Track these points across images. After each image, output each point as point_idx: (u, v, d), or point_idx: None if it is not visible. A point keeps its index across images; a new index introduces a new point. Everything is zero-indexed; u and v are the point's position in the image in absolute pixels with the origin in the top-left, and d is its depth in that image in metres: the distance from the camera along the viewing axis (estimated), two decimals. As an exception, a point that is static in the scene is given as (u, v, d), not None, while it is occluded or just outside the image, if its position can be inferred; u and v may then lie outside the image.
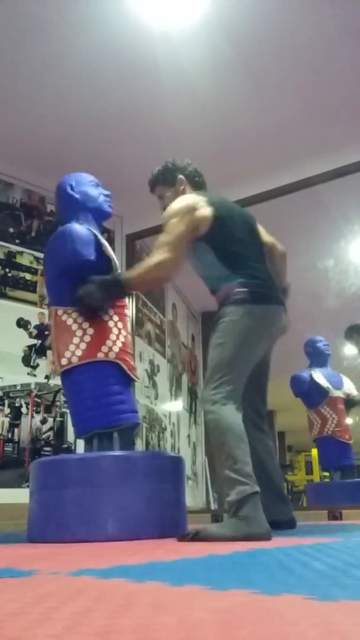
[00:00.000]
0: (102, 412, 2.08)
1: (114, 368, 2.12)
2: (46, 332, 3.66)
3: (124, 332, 2.20)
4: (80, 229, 2.17)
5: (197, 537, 1.66)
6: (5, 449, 3.30)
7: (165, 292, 5.28)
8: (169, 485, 2.04)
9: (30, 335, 3.58)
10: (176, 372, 5.39)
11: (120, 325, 2.19)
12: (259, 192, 3.79)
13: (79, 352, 2.09)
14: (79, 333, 2.11)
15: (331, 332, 4.83)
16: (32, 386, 3.50)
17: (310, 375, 4.56)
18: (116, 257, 2.32)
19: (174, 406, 5.19)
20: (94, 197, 2.34)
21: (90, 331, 2.11)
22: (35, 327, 3.63)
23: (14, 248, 3.70)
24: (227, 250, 1.99)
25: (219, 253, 1.99)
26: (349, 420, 4.70)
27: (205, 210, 1.99)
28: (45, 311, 3.71)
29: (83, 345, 2.10)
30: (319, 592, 0.69)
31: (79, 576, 0.92)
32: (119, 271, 2.27)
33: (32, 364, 3.54)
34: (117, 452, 2.02)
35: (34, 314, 3.65)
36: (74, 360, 2.09)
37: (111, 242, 4.26)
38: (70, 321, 2.13)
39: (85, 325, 2.11)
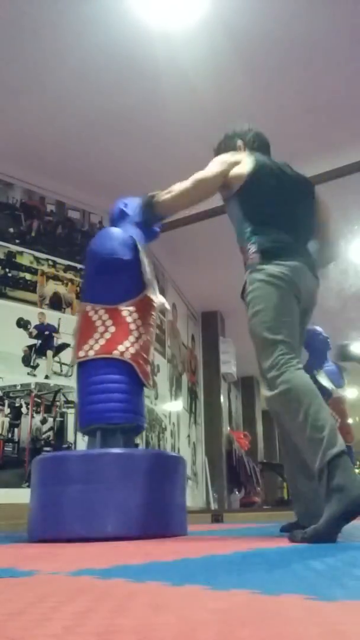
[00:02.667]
0: (107, 407, 2.12)
1: (127, 368, 2.16)
2: (46, 332, 3.66)
3: (144, 338, 2.24)
4: (118, 230, 2.30)
5: (306, 539, 1.53)
6: (5, 449, 3.30)
7: (165, 292, 5.28)
8: (170, 484, 2.04)
9: (30, 335, 3.58)
10: (176, 372, 5.39)
11: (142, 329, 2.23)
12: (259, 192, 3.79)
13: (96, 347, 2.16)
14: (101, 329, 2.19)
15: (331, 332, 4.82)
16: (32, 386, 3.50)
17: (314, 376, 4.55)
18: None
19: (174, 406, 5.19)
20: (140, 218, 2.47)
21: (112, 329, 2.18)
22: (35, 327, 3.63)
23: (14, 248, 3.70)
24: (253, 211, 2.01)
25: (245, 212, 2.01)
26: (349, 420, 4.70)
27: (244, 168, 2.02)
28: (45, 311, 3.71)
29: (102, 341, 2.16)
30: (319, 592, 0.69)
31: (79, 576, 0.92)
32: (147, 277, 2.31)
33: (32, 364, 3.54)
34: (119, 450, 2.03)
35: (34, 314, 3.65)
36: (91, 353, 2.16)
37: (111, 242, 4.26)
38: (95, 317, 2.22)
39: (109, 323, 2.19)
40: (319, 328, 4.78)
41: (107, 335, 2.17)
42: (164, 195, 2.11)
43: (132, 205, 2.48)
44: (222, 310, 6.50)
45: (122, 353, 2.15)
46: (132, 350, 2.17)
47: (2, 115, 3.33)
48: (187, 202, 2.10)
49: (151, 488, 1.95)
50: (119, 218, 2.46)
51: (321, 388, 4.51)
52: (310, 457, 1.61)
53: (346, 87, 3.19)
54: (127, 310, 2.22)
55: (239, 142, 2.23)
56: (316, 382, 4.54)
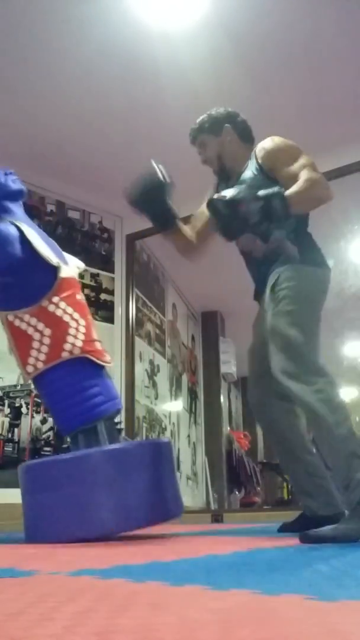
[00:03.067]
0: (81, 409, 2.03)
1: (82, 362, 2.04)
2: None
3: (82, 321, 2.07)
4: (2, 227, 2.02)
5: (320, 539, 1.51)
6: (5, 449, 3.30)
7: (165, 292, 5.28)
8: (158, 471, 2.00)
9: (30, 335, 3.58)
10: (176, 372, 5.39)
11: (76, 315, 2.07)
12: (259, 192, 3.79)
13: (42, 357, 2.01)
14: (37, 336, 2.02)
15: (331, 332, 4.82)
16: (32, 386, 3.50)
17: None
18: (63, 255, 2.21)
19: (174, 406, 5.19)
20: None
21: (48, 332, 2.01)
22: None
23: (14, 248, 3.69)
24: None
25: None
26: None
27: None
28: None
29: (44, 349, 2.01)
30: (319, 592, 0.69)
31: (79, 576, 0.92)
32: (51, 259, 2.06)
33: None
34: (101, 449, 1.98)
35: (34, 314, 3.65)
36: (40, 365, 2.02)
37: (111, 242, 4.26)
38: (24, 325, 2.03)
39: (41, 326, 2.01)
40: None
41: (47, 341, 2.01)
42: (296, 190, 1.74)
43: None
44: (222, 310, 6.50)
45: (70, 352, 2.01)
46: (78, 342, 2.02)
47: (2, 115, 3.33)
48: (327, 190, 1.81)
49: (141, 480, 1.92)
50: None
51: None
52: (341, 465, 1.59)
53: (346, 87, 3.19)
54: (52, 305, 2.03)
55: (227, 125, 2.09)
56: None
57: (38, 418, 3.48)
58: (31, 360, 2.03)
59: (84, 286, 3.99)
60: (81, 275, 2.48)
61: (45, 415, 3.51)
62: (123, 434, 2.41)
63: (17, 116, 3.35)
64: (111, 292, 4.13)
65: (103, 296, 4.04)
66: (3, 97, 3.19)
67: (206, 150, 2.15)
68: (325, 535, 1.50)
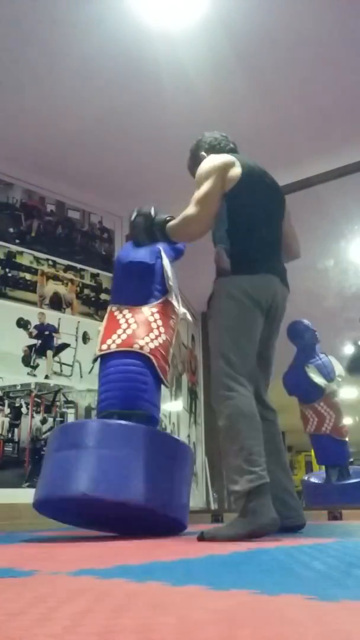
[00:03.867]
0: (124, 395, 2.20)
1: (145, 361, 2.26)
2: (46, 332, 3.66)
3: (164, 337, 2.35)
4: (149, 245, 2.40)
5: (202, 537, 1.66)
6: (5, 449, 3.30)
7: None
8: (179, 469, 2.11)
9: (30, 335, 3.58)
10: (176, 372, 5.39)
11: (162, 329, 2.36)
12: (259, 192, 3.78)
13: (118, 341, 2.28)
14: (124, 326, 2.31)
15: (331, 332, 4.83)
16: (32, 386, 3.50)
17: (305, 372, 4.52)
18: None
19: (174, 406, 5.20)
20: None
21: (134, 326, 2.29)
22: (35, 327, 3.63)
23: (14, 248, 3.70)
24: (237, 211, 1.99)
25: (230, 211, 1.99)
26: (347, 421, 4.69)
27: (237, 170, 2.00)
28: (45, 311, 3.72)
29: (124, 336, 2.28)
30: (319, 592, 0.69)
31: (79, 576, 0.92)
32: (169, 283, 2.44)
33: (32, 364, 3.54)
34: (138, 425, 2.06)
35: (34, 314, 3.65)
36: (113, 347, 2.28)
37: (111, 242, 4.26)
38: (119, 316, 2.36)
39: (131, 320, 2.31)
40: (305, 321, 4.71)
41: (129, 331, 2.29)
42: (173, 224, 2.02)
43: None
44: (222, 310, 6.49)
45: (141, 347, 2.25)
46: (151, 345, 2.27)
47: (2, 115, 3.33)
48: (197, 226, 1.98)
49: (167, 465, 2.02)
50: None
51: (313, 386, 4.49)
52: (234, 474, 1.70)
53: (346, 86, 3.19)
54: (149, 311, 2.35)
55: (202, 154, 2.23)
56: (307, 378, 4.51)
57: (38, 418, 3.48)
58: (108, 341, 2.30)
59: (84, 286, 4.00)
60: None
61: (45, 415, 3.51)
62: None
63: (17, 116, 3.35)
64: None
65: (103, 296, 4.04)
66: (3, 97, 3.20)
67: None
68: (211, 533, 1.67)
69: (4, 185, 3.78)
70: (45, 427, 3.49)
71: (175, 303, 2.49)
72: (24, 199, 3.85)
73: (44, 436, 3.48)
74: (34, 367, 3.54)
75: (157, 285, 2.42)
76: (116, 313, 2.38)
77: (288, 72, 3.08)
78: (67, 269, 3.93)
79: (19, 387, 3.46)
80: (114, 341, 2.29)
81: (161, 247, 2.46)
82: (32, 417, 3.46)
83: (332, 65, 3.05)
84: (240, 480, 1.67)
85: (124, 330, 2.30)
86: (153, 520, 1.96)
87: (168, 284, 2.43)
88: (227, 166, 2.00)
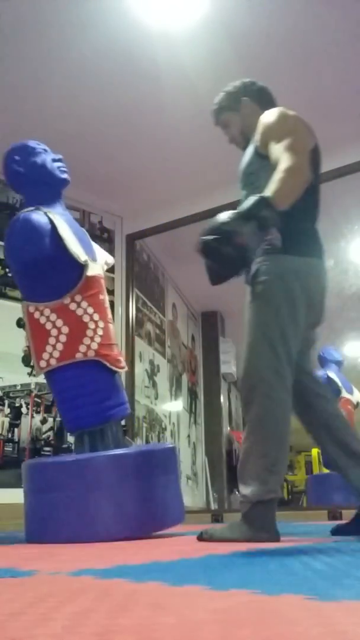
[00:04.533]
0: (89, 411, 2.04)
1: (96, 365, 2.04)
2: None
3: (101, 324, 2.07)
4: (35, 218, 2.00)
5: (202, 537, 1.66)
6: (5, 449, 3.30)
7: (165, 292, 5.28)
8: (162, 477, 2.01)
9: (30, 335, 3.58)
10: (176, 372, 5.39)
11: (96, 316, 2.06)
12: (259, 192, 3.78)
13: (56, 354, 2.01)
14: (54, 332, 2.01)
15: (331, 332, 4.83)
16: (32, 386, 3.50)
17: (326, 373, 4.57)
18: (99, 250, 2.22)
19: (174, 406, 5.19)
20: (42, 167, 2.18)
21: (65, 330, 2.01)
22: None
23: (14, 248, 3.69)
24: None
25: None
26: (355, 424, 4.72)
27: (309, 137, 1.78)
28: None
29: (60, 346, 2.01)
30: (319, 592, 0.69)
31: (79, 576, 0.92)
32: (80, 257, 2.01)
33: (32, 364, 3.53)
34: (108, 452, 1.99)
35: (34, 314, 3.64)
36: (53, 362, 2.02)
37: (111, 242, 4.26)
38: (43, 319, 2.03)
39: (59, 323, 2.01)
40: (332, 346, 4.82)
41: (63, 338, 2.01)
42: (275, 187, 1.54)
43: (25, 159, 2.20)
44: (222, 310, 6.50)
45: (85, 353, 2.01)
46: (94, 345, 2.02)
47: (2, 115, 3.32)
48: (303, 175, 1.60)
49: (144, 485, 1.93)
50: (16, 182, 2.23)
51: (331, 385, 4.52)
52: (249, 476, 1.61)
53: (346, 86, 3.19)
54: (74, 303, 2.03)
55: (244, 98, 1.99)
56: (328, 378, 4.54)
57: (38, 418, 3.48)
58: (45, 356, 2.02)
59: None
60: (110, 270, 2.44)
61: (45, 415, 3.51)
62: (128, 436, 2.42)
63: (18, 116, 3.35)
64: (111, 292, 4.13)
65: (102, 297, 4.04)
66: (3, 97, 3.19)
67: (229, 128, 2.05)
68: (209, 533, 1.65)
69: (4, 185, 3.78)
70: (45, 427, 3.49)
71: (94, 271, 2.12)
72: (24, 199, 3.85)
73: (44, 436, 3.48)
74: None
75: (68, 267, 2.03)
76: (36, 315, 2.03)
77: (288, 72, 3.08)
78: (67, 269, 3.92)
79: (19, 387, 3.45)
80: (50, 355, 2.00)
81: (47, 211, 2.06)
82: (32, 417, 3.46)
83: (332, 65, 3.04)
84: (253, 486, 1.59)
85: (57, 339, 2.00)
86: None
87: (80, 259, 2.03)
88: (307, 127, 1.79)
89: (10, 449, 3.31)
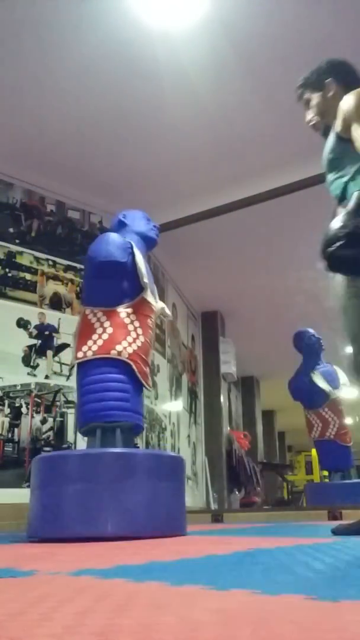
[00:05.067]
0: (106, 405, 2.15)
1: (125, 367, 2.20)
2: (46, 332, 3.66)
3: (142, 338, 2.28)
4: (116, 235, 2.36)
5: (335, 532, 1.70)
6: (5, 449, 3.29)
7: (166, 292, 5.28)
8: (169, 484, 2.05)
9: (30, 335, 3.58)
10: (176, 372, 5.39)
11: (139, 331, 2.28)
12: (259, 192, 3.79)
13: (95, 348, 2.21)
14: (99, 330, 2.24)
15: (331, 332, 4.82)
16: (32, 386, 3.50)
17: (310, 379, 4.56)
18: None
19: (174, 406, 5.19)
20: (141, 224, 2.56)
21: (110, 330, 2.23)
22: (35, 327, 3.63)
23: (14, 248, 3.70)
24: None
25: None
26: (348, 421, 4.71)
27: None
28: (45, 311, 3.71)
29: (100, 342, 2.22)
30: (319, 592, 0.69)
31: (79, 576, 0.92)
32: (144, 280, 2.31)
33: (32, 364, 3.54)
34: (119, 450, 2.03)
35: (34, 314, 3.65)
36: (89, 354, 2.21)
37: (111, 242, 4.26)
38: (94, 320, 2.27)
39: (107, 324, 2.25)
40: (310, 329, 4.79)
41: (105, 336, 2.22)
42: None
43: (131, 216, 2.57)
44: (222, 310, 6.50)
45: (119, 353, 2.19)
46: (129, 350, 2.21)
47: (2, 115, 3.33)
48: None
49: (150, 488, 1.96)
50: (117, 228, 2.54)
51: (318, 392, 4.53)
52: None
53: (346, 87, 3.19)
54: (124, 312, 2.27)
55: (328, 80, 1.91)
56: (313, 384, 4.55)
57: (38, 418, 3.48)
58: (84, 348, 2.24)
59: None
60: (163, 316, 2.72)
61: (45, 415, 3.51)
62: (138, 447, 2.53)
63: (18, 116, 3.35)
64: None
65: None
66: (3, 97, 3.19)
67: (310, 108, 1.99)
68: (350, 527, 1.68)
69: (4, 185, 3.78)
70: (45, 427, 3.49)
71: (151, 300, 2.41)
72: (24, 199, 3.85)
73: (44, 436, 3.48)
74: (34, 367, 3.54)
75: (131, 284, 2.32)
76: (90, 316, 2.30)
77: (288, 72, 3.07)
78: (67, 269, 3.93)
79: (19, 387, 3.45)
80: (89, 348, 2.22)
81: (132, 241, 2.39)
82: (32, 417, 3.46)
83: (332, 65, 3.04)
84: None
85: (100, 336, 2.22)
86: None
87: (143, 281, 2.34)
88: None
89: (10, 449, 3.31)
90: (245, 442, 7.11)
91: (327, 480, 4.76)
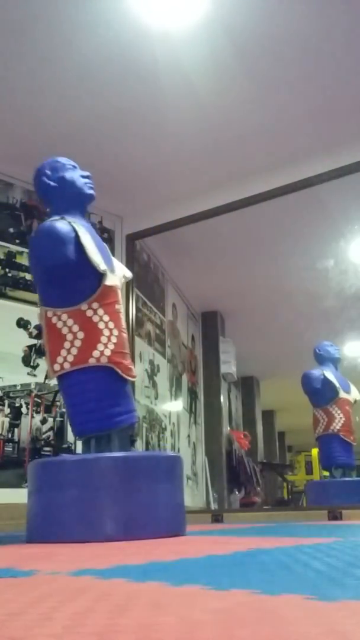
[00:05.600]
0: (97, 416, 2.09)
1: (107, 372, 2.10)
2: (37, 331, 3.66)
3: (115, 332, 2.14)
4: (60, 226, 2.10)
5: None
6: (5, 449, 3.29)
7: (165, 292, 5.28)
8: (167, 485, 2.04)
9: (30, 335, 3.58)
10: (176, 372, 5.39)
11: (111, 325, 2.13)
12: (259, 192, 3.79)
13: (70, 358, 2.07)
14: (70, 337, 2.08)
15: (331, 333, 4.83)
16: (32, 386, 3.50)
17: (323, 374, 4.59)
18: (107, 252, 2.29)
19: (174, 406, 5.19)
20: (71, 182, 2.28)
21: (81, 335, 2.07)
22: (35, 327, 3.63)
23: (14, 248, 3.70)
24: None
25: None
26: (354, 420, 4.72)
27: None
28: (45, 311, 3.71)
29: (74, 351, 2.07)
30: (319, 592, 0.69)
31: (79, 576, 0.92)
32: (100, 266, 2.11)
33: (32, 364, 3.54)
34: (115, 454, 2.02)
35: (34, 314, 3.63)
36: (66, 366, 2.08)
37: (111, 242, 4.26)
38: (60, 324, 2.10)
39: (75, 328, 2.08)
40: (328, 341, 4.85)
41: (78, 343, 2.07)
42: None
43: (56, 174, 2.30)
44: (222, 310, 6.50)
45: (98, 359, 2.07)
46: (107, 352, 2.09)
47: (2, 115, 3.33)
48: None
49: (149, 490, 1.95)
50: (47, 194, 2.32)
51: (328, 386, 4.54)
52: None
53: (347, 86, 3.19)
54: (90, 310, 2.11)
55: None
56: (325, 378, 4.56)
57: (38, 418, 3.48)
58: (59, 359, 2.09)
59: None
60: (127, 284, 2.55)
61: (45, 415, 3.51)
62: (137, 445, 2.46)
63: (17, 116, 3.35)
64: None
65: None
66: (3, 96, 3.20)
67: None
68: None
69: (4, 185, 3.78)
70: (45, 427, 3.49)
71: (112, 281, 2.21)
72: (24, 199, 3.85)
73: (44, 436, 3.48)
74: (34, 367, 3.54)
75: (88, 275, 2.12)
76: (54, 320, 2.11)
77: (288, 72, 3.08)
78: (67, 269, 3.92)
79: (19, 387, 3.45)
80: (65, 359, 2.07)
81: (69, 214, 2.16)
82: (32, 417, 3.46)
83: (332, 65, 3.05)
84: None
85: (72, 343, 2.07)
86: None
87: (99, 268, 2.11)
88: None
89: (10, 449, 3.31)
90: (245, 442, 7.11)
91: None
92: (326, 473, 4.88)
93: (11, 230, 3.73)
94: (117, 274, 2.32)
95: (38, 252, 2.12)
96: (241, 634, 0.48)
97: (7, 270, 3.62)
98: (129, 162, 3.76)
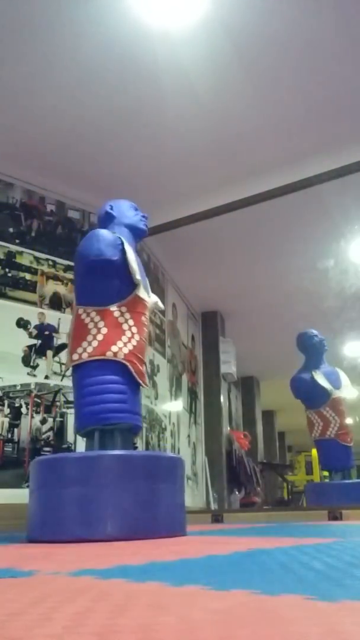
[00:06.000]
0: (102, 408, 2.13)
1: (121, 368, 2.18)
2: (46, 332, 3.66)
3: (137, 337, 2.26)
4: (106, 232, 2.32)
5: None
6: (5, 449, 3.29)
7: (165, 292, 5.28)
8: (168, 485, 2.04)
9: (30, 335, 3.58)
10: (176, 372, 5.39)
11: (134, 329, 2.26)
12: (259, 192, 3.79)
13: (89, 349, 2.19)
14: (93, 331, 2.21)
15: (331, 333, 4.83)
16: (32, 386, 3.50)
17: (312, 377, 4.57)
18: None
19: (174, 406, 5.19)
20: (129, 215, 2.55)
21: (104, 330, 2.20)
22: (35, 327, 3.63)
23: (14, 248, 3.70)
24: None
25: None
26: (348, 421, 4.71)
27: None
28: (45, 311, 3.71)
29: (95, 343, 2.19)
30: (319, 592, 0.69)
31: (79, 576, 0.92)
32: (136, 274, 2.29)
33: (32, 364, 3.54)
34: (117, 452, 2.03)
35: (34, 314, 3.65)
36: (84, 356, 2.18)
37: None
38: (87, 320, 2.24)
39: (101, 324, 2.22)
40: (314, 330, 4.80)
41: (100, 337, 2.19)
42: None
43: (118, 207, 2.56)
44: (222, 310, 6.50)
45: (115, 354, 2.17)
46: (125, 350, 2.19)
47: (2, 115, 3.33)
48: None
49: (149, 490, 1.95)
50: (105, 220, 2.51)
51: (319, 391, 4.53)
52: None
53: (346, 87, 3.19)
54: (118, 311, 2.25)
55: None
56: (314, 382, 4.55)
57: (38, 418, 3.48)
58: (79, 350, 2.21)
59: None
60: (153, 313, 2.72)
61: (45, 415, 3.51)
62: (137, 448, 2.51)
63: (17, 116, 3.35)
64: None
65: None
66: (3, 96, 3.19)
67: None
68: None
69: (4, 185, 3.78)
70: (45, 427, 3.49)
71: (144, 296, 2.38)
72: (24, 199, 3.85)
73: (43, 436, 3.48)
74: (34, 367, 3.54)
75: (123, 281, 2.29)
76: (83, 316, 2.27)
77: (288, 72, 3.08)
78: (67, 269, 3.92)
79: (19, 387, 3.45)
80: (84, 349, 2.19)
81: (122, 235, 2.35)
82: (32, 417, 3.46)
83: (332, 65, 3.04)
84: None
85: (94, 337, 2.19)
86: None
87: (135, 278, 2.30)
88: None
89: (10, 449, 3.31)
90: (245, 442, 7.11)
91: (327, 480, 4.76)
92: (326, 473, 4.89)
93: (11, 230, 3.73)
94: (152, 296, 2.50)
95: (82, 249, 2.31)
96: (241, 634, 0.48)
97: (7, 270, 3.62)
98: (129, 162, 3.76)
